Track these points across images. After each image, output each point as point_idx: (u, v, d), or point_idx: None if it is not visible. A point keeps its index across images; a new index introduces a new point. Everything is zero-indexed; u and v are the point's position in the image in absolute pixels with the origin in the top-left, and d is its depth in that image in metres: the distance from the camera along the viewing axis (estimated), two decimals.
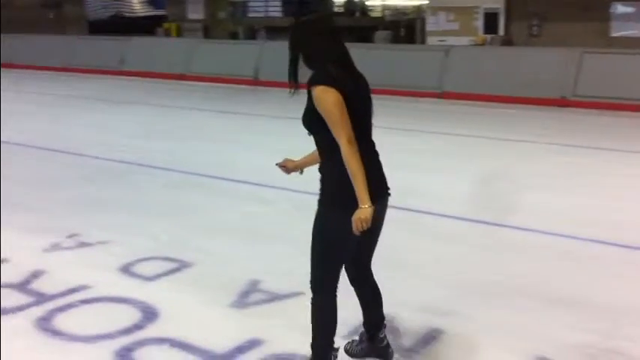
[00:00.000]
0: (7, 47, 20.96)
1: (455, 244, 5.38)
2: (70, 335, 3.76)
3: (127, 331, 3.81)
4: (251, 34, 24.30)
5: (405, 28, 23.79)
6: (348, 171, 2.86)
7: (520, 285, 4.54)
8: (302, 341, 3.71)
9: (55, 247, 5.17)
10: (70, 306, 4.13)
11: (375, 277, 3.32)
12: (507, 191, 6.85)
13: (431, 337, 3.78)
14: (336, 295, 3.15)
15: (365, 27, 23.04)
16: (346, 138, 2.85)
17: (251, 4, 24.76)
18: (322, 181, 3.06)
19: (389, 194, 3.13)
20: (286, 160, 3.37)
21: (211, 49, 18.44)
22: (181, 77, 17.02)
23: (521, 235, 5.59)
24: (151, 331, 3.82)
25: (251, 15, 24.60)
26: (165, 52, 18.45)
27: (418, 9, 26.28)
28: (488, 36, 16.14)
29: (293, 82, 3.02)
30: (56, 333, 3.79)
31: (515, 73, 13.23)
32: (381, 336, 3.43)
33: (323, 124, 2.91)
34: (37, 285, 4.45)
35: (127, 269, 4.72)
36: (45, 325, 3.89)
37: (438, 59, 14.36)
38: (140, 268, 4.74)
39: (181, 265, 4.76)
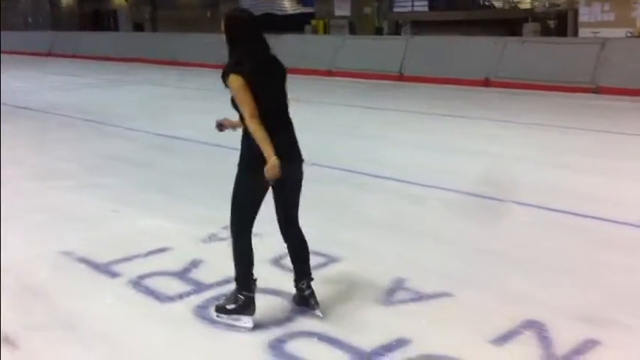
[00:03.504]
0: (171, 45, 22.46)
1: (623, 251, 5.10)
2: (227, 324, 3.94)
3: (279, 322, 3.95)
4: (396, 29, 24.27)
5: (556, 20, 22.78)
6: (254, 137, 3.60)
7: None
8: (449, 343, 3.71)
9: (212, 237, 5.44)
10: (226, 296, 4.33)
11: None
12: None
13: (586, 348, 3.63)
14: (250, 238, 3.87)
15: (513, 19, 22.35)
16: (248, 113, 3.61)
17: None
18: (241, 147, 3.80)
19: (302, 160, 3.88)
20: (224, 119, 4.00)
21: (357, 44, 18.64)
22: (328, 73, 17.32)
23: None
24: (300, 324, 3.94)
25: (396, 10, 24.55)
26: (312, 48, 18.84)
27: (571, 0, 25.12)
28: None
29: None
30: (214, 321, 3.99)
31: None
32: (303, 286, 4.02)
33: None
34: (195, 274, 4.72)
35: (278, 262, 4.87)
36: (203, 313, 4.11)
37: (592, 52, 13.69)
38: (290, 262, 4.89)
39: (329, 260, 4.86)
